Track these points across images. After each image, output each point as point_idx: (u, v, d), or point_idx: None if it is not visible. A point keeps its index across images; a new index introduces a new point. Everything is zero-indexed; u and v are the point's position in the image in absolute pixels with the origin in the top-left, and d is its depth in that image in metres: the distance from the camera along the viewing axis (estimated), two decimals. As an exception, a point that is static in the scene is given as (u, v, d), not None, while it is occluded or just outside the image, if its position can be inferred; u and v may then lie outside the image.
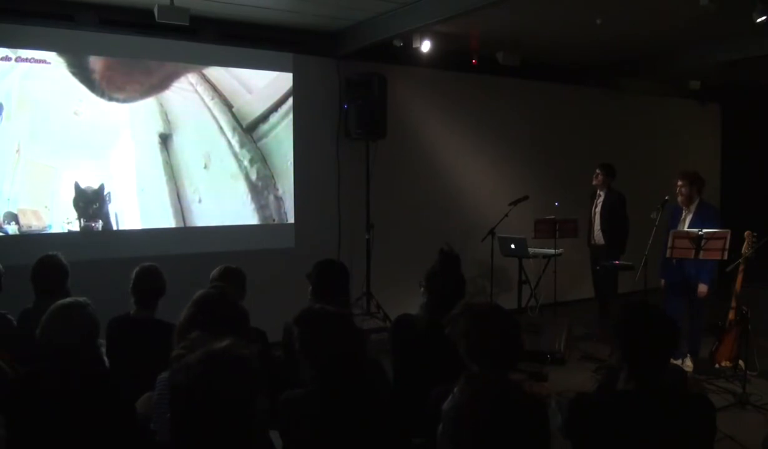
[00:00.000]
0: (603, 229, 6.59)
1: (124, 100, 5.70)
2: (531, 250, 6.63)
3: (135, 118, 5.75)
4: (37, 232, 5.33)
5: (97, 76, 5.55)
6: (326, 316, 2.24)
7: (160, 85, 5.86)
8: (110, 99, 5.62)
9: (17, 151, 5.27)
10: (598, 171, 6.67)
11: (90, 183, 5.56)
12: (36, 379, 2.33)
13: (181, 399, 1.46)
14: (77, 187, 5.52)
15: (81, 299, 2.45)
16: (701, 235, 5.04)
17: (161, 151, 5.89)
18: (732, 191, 9.96)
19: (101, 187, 5.62)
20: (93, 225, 5.59)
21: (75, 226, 5.50)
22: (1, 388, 2.35)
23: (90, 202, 5.57)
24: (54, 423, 2.22)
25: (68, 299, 2.46)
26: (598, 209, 6.66)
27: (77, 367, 2.32)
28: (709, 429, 2.08)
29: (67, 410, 2.24)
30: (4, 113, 5.21)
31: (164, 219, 5.93)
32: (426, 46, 6.40)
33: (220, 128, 6.17)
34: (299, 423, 2.12)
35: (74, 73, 5.46)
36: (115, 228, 5.69)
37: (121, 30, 5.59)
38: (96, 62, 5.54)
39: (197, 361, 1.46)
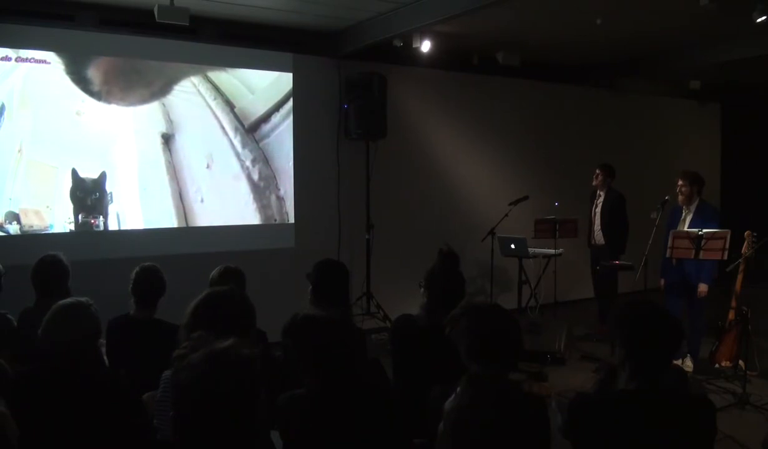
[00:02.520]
0: (603, 230, 6.60)
1: (126, 105, 5.70)
2: (531, 250, 6.63)
3: (137, 118, 5.75)
4: (39, 232, 5.34)
5: (97, 81, 5.55)
6: (313, 323, 2.24)
7: (162, 91, 5.87)
8: (110, 102, 5.62)
9: (19, 150, 5.27)
10: (597, 171, 6.68)
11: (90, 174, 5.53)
12: (36, 379, 2.33)
13: (183, 398, 1.47)
14: (75, 175, 5.39)
15: (83, 299, 2.45)
16: (701, 235, 5.04)
17: (163, 151, 5.89)
18: (732, 191, 9.96)
19: (102, 176, 5.49)
20: (92, 221, 5.55)
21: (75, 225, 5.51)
22: (3, 387, 2.35)
23: (89, 192, 5.48)
24: (54, 423, 2.22)
25: (71, 299, 2.46)
26: (598, 209, 6.68)
27: (78, 367, 2.32)
28: (710, 429, 2.08)
29: (68, 410, 2.24)
30: (6, 113, 5.21)
31: (166, 219, 5.93)
32: (426, 46, 6.41)
33: (222, 128, 6.17)
34: (298, 423, 2.12)
35: (74, 75, 5.46)
36: (117, 228, 5.70)
37: (121, 30, 5.60)
38: (97, 67, 5.54)
39: (200, 361, 1.46)
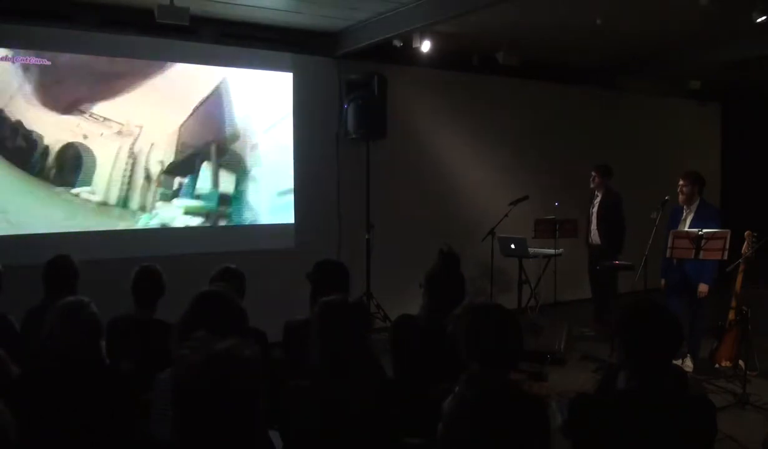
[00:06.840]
0: (599, 229, 6.63)
1: (124, 103, 5.70)
2: (531, 250, 6.63)
3: (136, 117, 5.75)
4: (37, 232, 5.33)
5: (97, 81, 5.55)
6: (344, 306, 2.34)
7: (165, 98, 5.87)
8: (108, 101, 5.61)
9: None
10: (593, 173, 6.71)
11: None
12: (36, 379, 2.33)
13: (184, 398, 1.46)
14: None
15: (84, 298, 2.45)
16: (701, 235, 5.04)
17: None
18: (732, 191, 9.95)
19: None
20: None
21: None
22: (3, 387, 2.35)
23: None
24: (54, 423, 2.22)
25: (71, 298, 2.45)
26: (595, 209, 6.73)
27: (80, 366, 2.32)
28: (710, 429, 2.08)
29: (68, 409, 2.24)
30: (5, 113, 5.20)
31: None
32: (426, 46, 6.39)
33: (221, 126, 6.16)
34: (303, 412, 2.13)
35: (75, 75, 5.45)
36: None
37: (121, 30, 5.59)
38: (98, 67, 5.54)
39: (201, 361, 1.46)
